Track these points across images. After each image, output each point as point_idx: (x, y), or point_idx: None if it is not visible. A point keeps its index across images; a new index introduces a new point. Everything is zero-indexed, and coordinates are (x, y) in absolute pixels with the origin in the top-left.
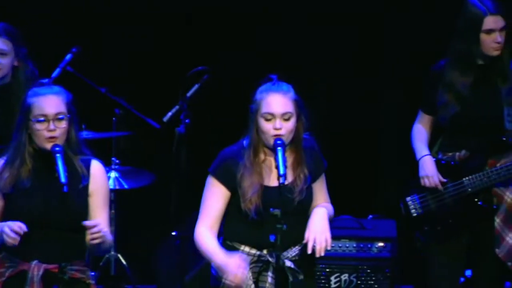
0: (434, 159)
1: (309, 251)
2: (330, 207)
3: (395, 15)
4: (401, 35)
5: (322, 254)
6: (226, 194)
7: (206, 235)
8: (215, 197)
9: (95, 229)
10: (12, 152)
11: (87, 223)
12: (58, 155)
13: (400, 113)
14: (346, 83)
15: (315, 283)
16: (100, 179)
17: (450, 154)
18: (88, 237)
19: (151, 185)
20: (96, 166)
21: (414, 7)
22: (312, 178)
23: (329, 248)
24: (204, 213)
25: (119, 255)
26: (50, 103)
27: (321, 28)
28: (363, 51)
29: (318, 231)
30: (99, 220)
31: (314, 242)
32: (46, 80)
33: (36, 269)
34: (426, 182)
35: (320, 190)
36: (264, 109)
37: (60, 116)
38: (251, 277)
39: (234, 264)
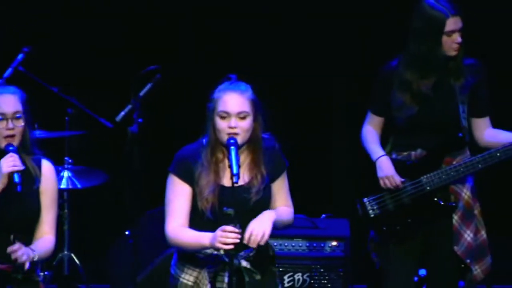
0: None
1: (245, 241)
2: (287, 211)
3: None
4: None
5: (254, 246)
6: (190, 191)
7: (180, 229)
8: (180, 196)
9: (15, 255)
10: None
11: (9, 249)
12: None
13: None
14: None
15: (276, 283)
16: (50, 179)
17: (405, 153)
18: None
19: (104, 185)
20: (46, 166)
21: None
22: (271, 178)
23: (262, 243)
24: (171, 214)
25: (72, 255)
26: (7, 102)
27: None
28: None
29: (258, 225)
30: (47, 218)
31: (251, 234)
32: None
33: None
34: (386, 182)
35: (279, 190)
36: (220, 107)
37: (18, 115)
38: (207, 278)
39: (219, 231)
